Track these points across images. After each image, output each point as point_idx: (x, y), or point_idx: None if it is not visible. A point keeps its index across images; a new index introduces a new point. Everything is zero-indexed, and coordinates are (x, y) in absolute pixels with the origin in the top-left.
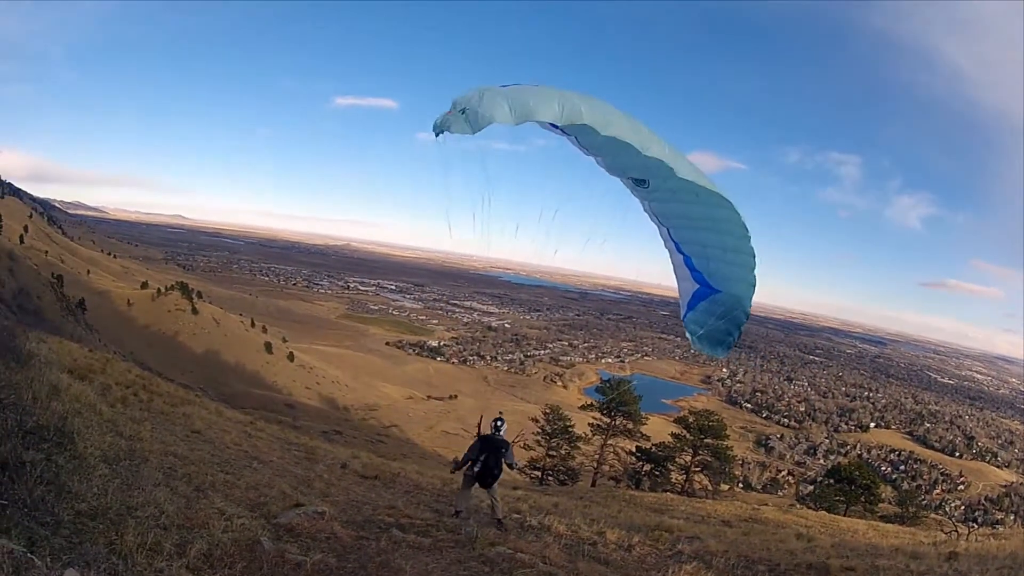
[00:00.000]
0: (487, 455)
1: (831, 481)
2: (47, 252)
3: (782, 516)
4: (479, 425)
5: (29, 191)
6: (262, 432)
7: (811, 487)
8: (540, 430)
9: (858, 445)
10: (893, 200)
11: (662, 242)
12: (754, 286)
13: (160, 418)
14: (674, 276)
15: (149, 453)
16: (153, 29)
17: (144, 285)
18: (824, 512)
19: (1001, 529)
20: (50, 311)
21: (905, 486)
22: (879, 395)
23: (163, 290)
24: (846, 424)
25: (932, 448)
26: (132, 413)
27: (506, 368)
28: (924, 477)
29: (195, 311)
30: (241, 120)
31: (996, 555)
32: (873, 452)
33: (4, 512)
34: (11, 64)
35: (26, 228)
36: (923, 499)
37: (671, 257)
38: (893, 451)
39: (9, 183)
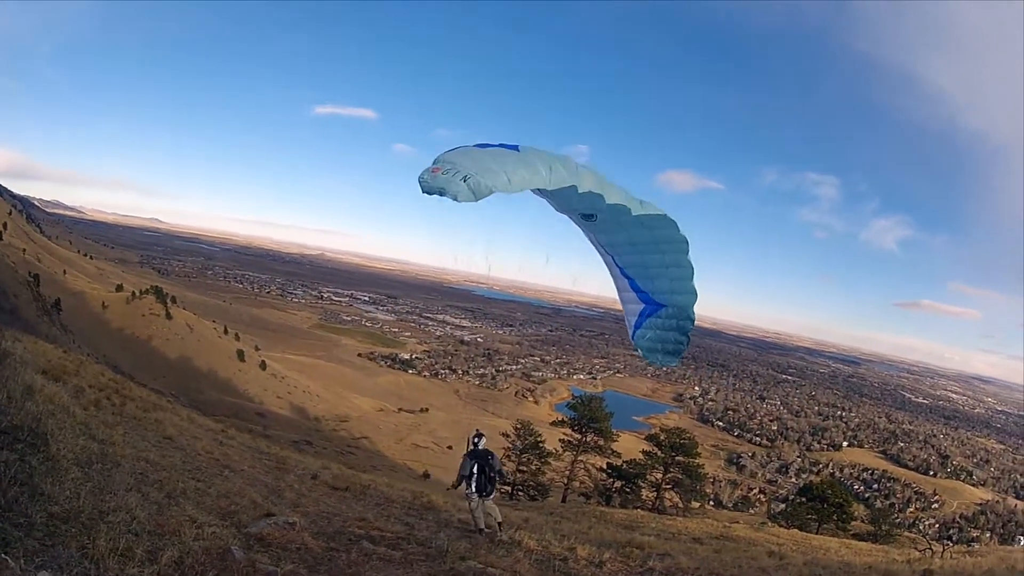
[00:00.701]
0: (478, 467)
1: (803, 499)
2: (25, 250)
3: (754, 534)
4: (468, 443)
5: (9, 187)
6: (233, 440)
7: (783, 505)
8: (511, 445)
9: (830, 464)
10: (870, 222)
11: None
12: (695, 295)
13: (132, 423)
14: (620, 300)
15: (121, 458)
16: (138, 34)
17: (119, 288)
18: (796, 530)
19: (977, 547)
20: (26, 310)
21: (878, 504)
22: (852, 414)
23: (138, 294)
24: (818, 443)
25: (906, 467)
26: (105, 417)
27: (478, 382)
28: (898, 496)
29: (169, 316)
30: (222, 127)
31: (972, 572)
32: (846, 471)
33: None
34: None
35: (5, 225)
36: (896, 517)
37: (616, 283)
38: (866, 470)
39: None
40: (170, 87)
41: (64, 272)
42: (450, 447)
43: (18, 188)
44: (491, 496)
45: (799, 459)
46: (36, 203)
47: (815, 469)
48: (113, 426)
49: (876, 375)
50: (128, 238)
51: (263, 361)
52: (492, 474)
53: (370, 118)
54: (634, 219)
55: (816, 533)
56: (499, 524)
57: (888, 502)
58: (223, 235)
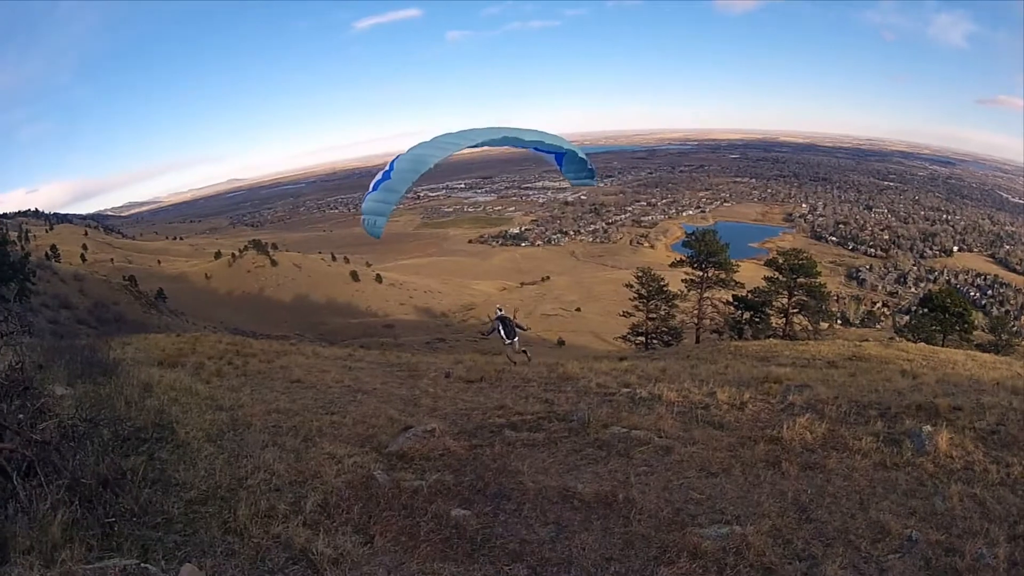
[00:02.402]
0: (503, 324)
1: (925, 310)
2: (112, 259)
3: (884, 351)
4: (495, 314)
5: (78, 212)
6: (361, 362)
7: (906, 317)
8: (636, 295)
9: (944, 271)
10: (933, 18)
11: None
12: (581, 149)
13: (258, 378)
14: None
15: (252, 417)
16: (152, 27)
17: (217, 255)
18: (923, 343)
19: None
20: (131, 312)
21: (995, 312)
22: (957, 217)
23: (237, 253)
24: (930, 249)
25: (1014, 271)
26: (229, 382)
27: (591, 239)
28: (1011, 302)
29: (274, 263)
30: (268, 73)
31: None
32: (960, 277)
33: (113, 529)
34: (36, 107)
35: (85, 246)
36: (1013, 325)
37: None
38: (979, 275)
39: (55, 213)
40: (201, 54)
41: (159, 262)
42: (578, 309)
43: (88, 208)
44: (516, 338)
45: (915, 267)
46: (110, 213)
47: (931, 277)
48: (239, 389)
49: (972, 175)
50: (212, 207)
51: (378, 275)
52: (513, 326)
53: (416, 16)
54: (514, 139)
55: (942, 345)
56: (527, 352)
57: (1003, 309)
58: (305, 170)
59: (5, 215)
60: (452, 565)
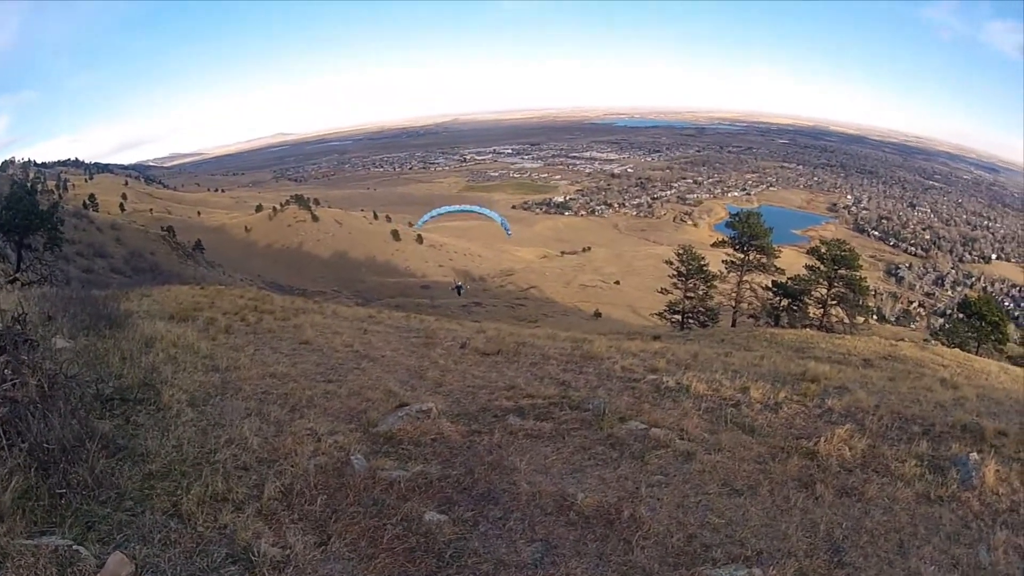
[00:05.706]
0: (459, 287)
1: (962, 316)
2: (151, 209)
3: (920, 353)
4: (454, 283)
5: (120, 162)
6: (379, 325)
7: (941, 320)
8: (675, 272)
9: (982, 277)
10: (986, 25)
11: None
12: (502, 218)
13: (267, 337)
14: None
15: (244, 381)
16: None
17: (258, 208)
18: (957, 350)
19: None
20: (167, 262)
21: None
22: (998, 225)
23: (279, 207)
24: (969, 254)
25: None
26: (235, 341)
27: (635, 213)
28: None
29: (315, 218)
30: (320, 28)
31: None
32: (996, 286)
33: (60, 501)
34: (83, 56)
35: (124, 196)
36: None
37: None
38: (1014, 286)
39: (96, 163)
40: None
41: (198, 213)
42: (617, 282)
43: (131, 158)
44: (462, 292)
45: (953, 271)
46: (152, 164)
47: (968, 282)
48: (242, 348)
49: (1016, 184)
50: (256, 160)
51: (419, 235)
52: (464, 288)
53: None
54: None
55: (975, 353)
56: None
57: None
58: (352, 128)
59: (44, 164)
60: None
